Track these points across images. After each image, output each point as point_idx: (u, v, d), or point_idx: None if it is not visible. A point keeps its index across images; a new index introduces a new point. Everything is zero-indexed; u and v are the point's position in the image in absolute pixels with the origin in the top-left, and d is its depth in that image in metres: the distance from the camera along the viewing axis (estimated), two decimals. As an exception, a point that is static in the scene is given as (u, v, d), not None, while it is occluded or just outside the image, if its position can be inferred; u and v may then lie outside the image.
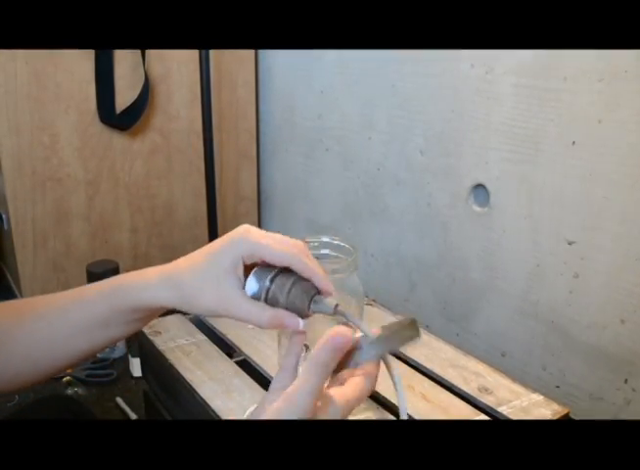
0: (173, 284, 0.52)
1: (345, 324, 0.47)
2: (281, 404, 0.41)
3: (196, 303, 0.52)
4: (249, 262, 0.51)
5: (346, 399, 0.43)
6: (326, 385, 0.45)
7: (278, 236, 0.52)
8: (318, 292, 0.51)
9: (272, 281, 0.51)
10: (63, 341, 0.55)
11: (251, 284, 0.51)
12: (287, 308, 0.51)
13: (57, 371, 0.57)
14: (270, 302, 0.51)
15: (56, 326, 0.55)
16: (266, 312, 0.50)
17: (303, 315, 0.50)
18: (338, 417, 0.42)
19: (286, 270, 0.51)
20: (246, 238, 0.51)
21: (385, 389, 0.82)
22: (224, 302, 0.51)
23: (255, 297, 0.51)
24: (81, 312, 0.54)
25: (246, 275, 0.52)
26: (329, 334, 0.42)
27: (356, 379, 0.45)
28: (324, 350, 0.42)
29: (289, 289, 0.50)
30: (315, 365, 0.42)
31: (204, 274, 0.51)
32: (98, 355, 1.38)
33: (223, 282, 0.51)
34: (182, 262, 0.53)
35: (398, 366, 0.47)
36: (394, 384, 0.46)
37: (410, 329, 0.49)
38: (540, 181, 1.00)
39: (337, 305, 0.50)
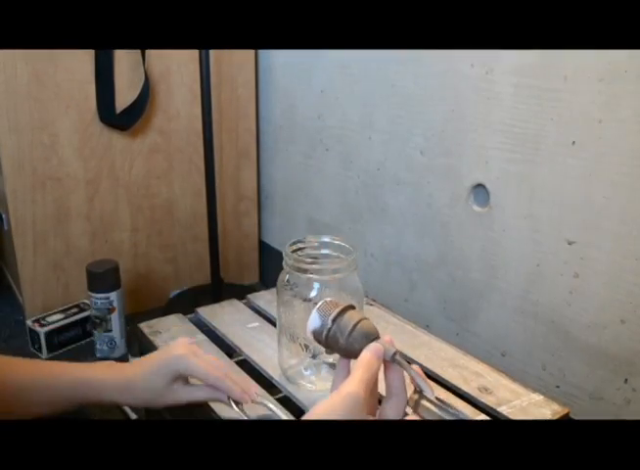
0: (128, 390, 0.67)
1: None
2: (333, 396, 0.47)
3: (135, 398, 0.69)
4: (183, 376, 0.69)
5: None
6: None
7: (207, 358, 0.70)
8: (377, 336, 0.54)
9: (334, 321, 0.53)
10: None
11: (315, 320, 0.54)
12: (345, 349, 0.54)
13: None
14: (330, 341, 0.54)
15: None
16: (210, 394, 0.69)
17: (357, 357, 0.54)
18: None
19: (350, 308, 0.55)
20: (176, 359, 0.69)
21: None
22: (157, 399, 0.69)
23: (317, 333, 0.55)
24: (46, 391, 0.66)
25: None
26: (373, 346, 0.53)
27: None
28: (368, 355, 0.51)
29: (349, 331, 0.53)
30: (360, 364, 0.51)
31: (152, 384, 0.68)
32: (97, 355, 1.38)
33: (170, 390, 0.69)
34: (127, 369, 0.70)
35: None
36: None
37: None
38: (540, 181, 1.00)
39: (395, 353, 0.53)
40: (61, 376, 0.67)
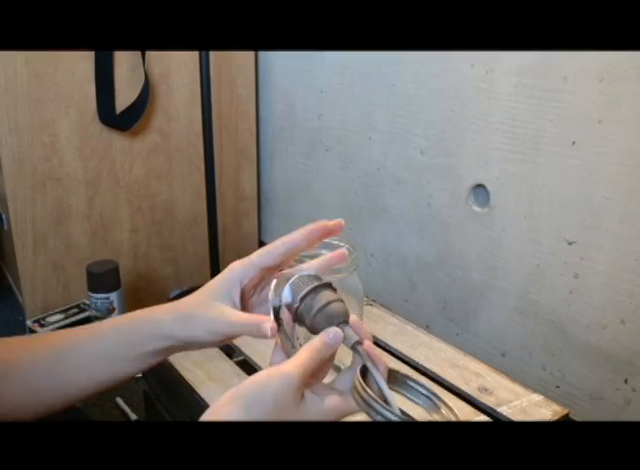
0: (176, 316, 0.55)
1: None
2: (270, 371, 0.46)
3: (193, 330, 0.55)
4: (248, 282, 0.56)
5: (324, 407, 0.47)
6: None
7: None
8: (345, 320, 0.50)
9: (302, 300, 0.51)
10: (64, 375, 0.56)
11: (286, 295, 0.52)
12: (311, 330, 0.51)
13: (54, 406, 0.57)
14: (299, 319, 0.52)
15: (63, 359, 0.56)
16: (244, 326, 0.54)
17: None
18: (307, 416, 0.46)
19: (324, 287, 0.52)
20: (232, 266, 0.56)
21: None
22: (216, 320, 0.54)
23: (288, 308, 0.53)
24: (94, 344, 0.56)
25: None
26: (328, 330, 0.49)
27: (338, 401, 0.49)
28: (319, 339, 0.49)
29: (314, 313, 0.50)
30: (309, 349, 0.48)
31: (201, 303, 0.56)
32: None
33: (215, 305, 0.55)
34: (186, 299, 0.58)
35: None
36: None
37: None
38: (540, 181, 1.00)
39: (357, 342, 0.49)
40: (108, 322, 0.58)
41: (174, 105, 1.50)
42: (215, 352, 0.92)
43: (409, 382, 0.52)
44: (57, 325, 1.39)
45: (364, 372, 0.49)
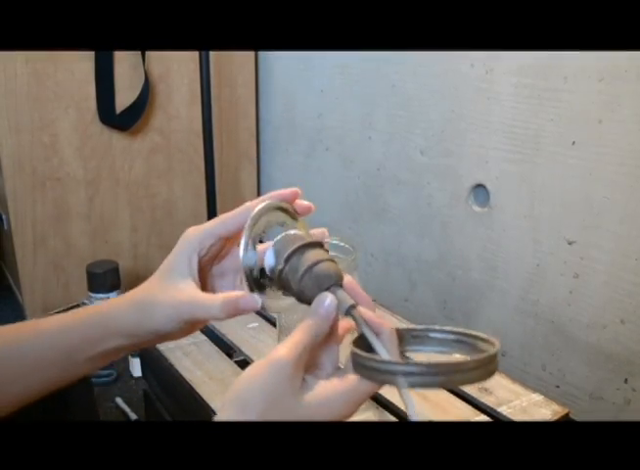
0: (130, 304, 0.48)
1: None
2: (260, 360, 0.42)
3: (149, 318, 0.47)
4: (206, 253, 0.49)
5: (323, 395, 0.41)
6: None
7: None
8: (338, 283, 0.42)
9: (287, 261, 0.43)
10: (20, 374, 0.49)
11: (269, 258, 0.45)
12: (298, 296, 0.44)
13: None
14: (284, 284, 0.44)
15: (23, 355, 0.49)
16: (216, 302, 0.46)
17: None
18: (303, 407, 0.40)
19: (313, 246, 0.44)
20: (186, 234, 0.49)
21: (384, 388, 0.82)
22: (178, 302, 0.46)
23: (271, 273, 0.45)
24: (32, 350, 0.49)
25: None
26: (319, 299, 0.42)
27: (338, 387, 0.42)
28: (311, 313, 0.43)
29: (301, 275, 0.42)
30: (302, 327, 0.42)
31: (157, 284, 0.48)
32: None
33: (175, 283, 0.47)
34: (141, 284, 0.50)
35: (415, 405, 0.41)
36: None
37: (476, 365, 0.38)
38: (540, 181, 1.00)
39: (352, 306, 0.42)
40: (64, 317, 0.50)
41: (174, 105, 1.50)
42: (215, 351, 0.92)
43: (431, 334, 0.44)
44: (57, 325, 1.38)
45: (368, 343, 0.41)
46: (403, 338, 0.44)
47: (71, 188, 1.42)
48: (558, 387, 1.03)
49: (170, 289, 0.47)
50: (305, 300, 0.44)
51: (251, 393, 0.40)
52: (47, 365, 0.49)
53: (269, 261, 0.45)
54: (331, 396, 0.41)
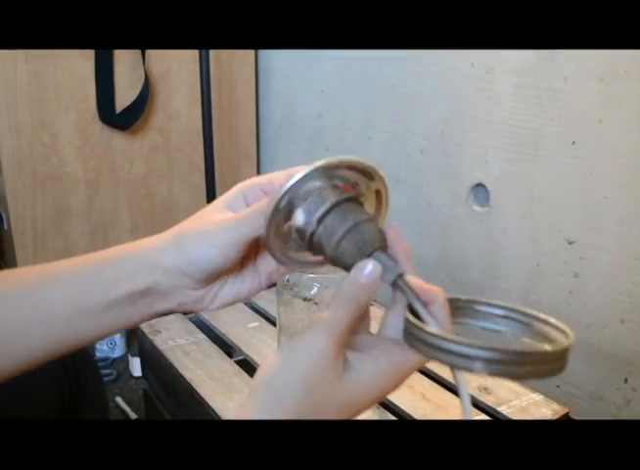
0: (170, 235, 0.43)
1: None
2: (294, 341, 0.35)
3: (189, 246, 0.41)
4: (252, 201, 0.44)
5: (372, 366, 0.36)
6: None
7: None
8: (382, 247, 0.37)
9: (320, 221, 0.37)
10: (41, 324, 0.43)
11: (299, 218, 0.37)
12: (334, 262, 0.38)
13: (26, 365, 0.44)
14: (316, 247, 0.38)
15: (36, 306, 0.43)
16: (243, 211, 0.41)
17: None
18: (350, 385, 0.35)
19: (352, 201, 0.38)
20: (247, 180, 0.45)
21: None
22: (220, 229, 0.41)
23: (300, 234, 0.38)
24: (43, 293, 0.44)
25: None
26: (360, 266, 0.36)
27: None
28: (351, 283, 0.36)
29: (338, 240, 0.36)
30: (341, 300, 0.36)
31: (200, 216, 0.43)
32: (97, 354, 1.38)
33: (218, 215, 0.43)
34: (183, 223, 0.44)
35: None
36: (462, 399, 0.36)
37: (558, 356, 0.33)
38: (540, 181, 1.00)
39: (400, 275, 0.36)
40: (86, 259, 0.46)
41: (174, 104, 1.50)
42: (215, 351, 0.92)
43: (476, 307, 0.39)
44: (57, 325, 1.38)
45: (414, 313, 0.37)
46: (450, 307, 0.39)
47: (71, 188, 1.42)
48: (558, 387, 1.03)
49: (211, 217, 0.42)
50: (343, 266, 0.37)
51: (280, 389, 0.35)
52: (57, 315, 0.43)
53: (299, 220, 0.37)
54: (380, 367, 0.36)
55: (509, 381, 0.85)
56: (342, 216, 0.36)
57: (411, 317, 0.36)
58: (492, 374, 0.32)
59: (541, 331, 0.36)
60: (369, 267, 0.36)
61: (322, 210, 0.36)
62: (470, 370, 0.33)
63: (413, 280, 0.37)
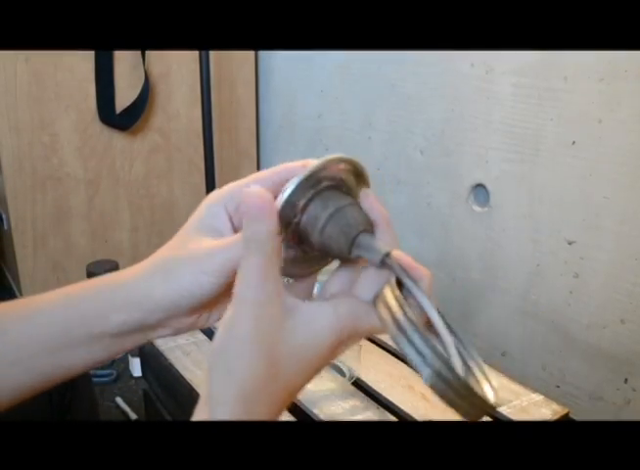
0: (152, 266, 0.41)
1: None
2: (228, 311, 0.33)
3: (177, 277, 0.39)
4: (233, 209, 0.41)
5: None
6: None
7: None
8: (366, 229, 0.37)
9: (305, 208, 0.36)
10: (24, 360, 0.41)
11: (285, 211, 0.37)
12: (323, 250, 0.37)
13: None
14: (302, 237, 0.37)
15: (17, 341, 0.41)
16: (228, 237, 0.39)
17: (345, 260, 0.37)
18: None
19: (335, 189, 0.38)
20: (216, 190, 0.41)
21: (385, 388, 0.82)
22: (207, 255, 0.39)
23: (284, 225, 0.37)
24: (25, 326, 0.42)
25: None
26: (245, 193, 0.34)
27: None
28: (247, 221, 0.34)
29: (323, 224, 0.36)
30: (245, 242, 0.33)
31: (181, 242, 0.41)
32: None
33: (202, 238, 0.40)
34: (162, 247, 0.43)
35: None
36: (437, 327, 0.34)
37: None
38: (540, 181, 1.00)
39: (387, 254, 0.36)
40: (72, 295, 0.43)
41: (174, 104, 1.50)
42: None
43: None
44: (57, 325, 1.38)
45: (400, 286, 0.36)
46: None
47: (71, 188, 1.42)
48: (558, 387, 1.03)
49: (195, 242, 0.40)
50: (331, 253, 0.37)
51: (230, 340, 0.33)
52: (39, 350, 0.41)
53: (284, 210, 0.36)
54: (339, 319, 0.35)
55: (508, 382, 0.84)
56: (324, 203, 0.36)
57: (393, 292, 0.35)
58: (432, 387, 0.32)
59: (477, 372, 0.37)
60: (252, 191, 0.33)
61: (304, 200, 0.36)
62: (417, 371, 0.32)
63: (402, 258, 0.36)
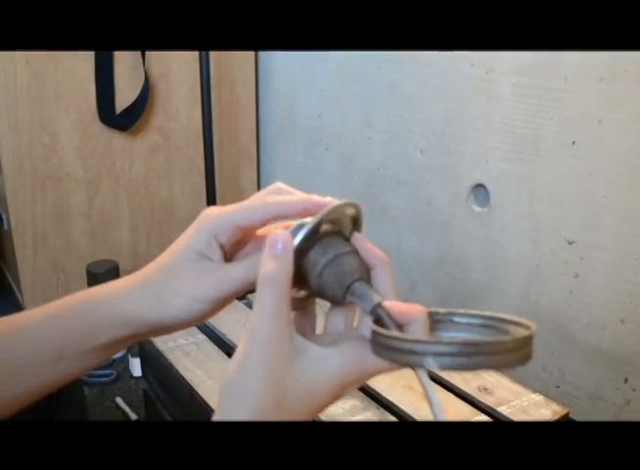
0: (142, 287, 0.43)
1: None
2: (241, 345, 0.35)
3: (169, 301, 0.41)
4: (225, 241, 0.43)
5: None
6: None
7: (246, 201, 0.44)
8: (361, 277, 0.38)
9: (307, 252, 0.39)
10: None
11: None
12: (319, 294, 0.39)
13: None
14: (301, 278, 0.39)
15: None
16: (240, 266, 0.41)
17: (340, 304, 0.40)
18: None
19: (336, 235, 0.40)
20: (207, 215, 0.44)
21: (385, 388, 0.82)
22: (200, 283, 0.41)
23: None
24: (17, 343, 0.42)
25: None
26: (271, 239, 0.37)
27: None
28: (267, 259, 0.36)
29: (320, 271, 0.38)
30: (262, 282, 0.35)
31: (173, 266, 0.43)
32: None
33: (195, 265, 0.42)
34: (150, 266, 0.45)
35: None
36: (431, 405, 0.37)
37: (514, 346, 0.33)
38: (540, 181, 1.00)
39: (378, 305, 0.37)
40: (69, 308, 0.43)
41: (174, 104, 1.50)
42: (215, 351, 0.92)
43: (455, 318, 0.40)
44: (57, 325, 1.38)
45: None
46: (429, 320, 0.39)
47: (71, 188, 1.42)
48: (558, 387, 1.03)
49: (187, 268, 0.43)
50: (325, 297, 0.39)
51: (242, 374, 0.35)
52: (34, 365, 0.42)
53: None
54: (344, 364, 0.36)
55: (508, 382, 0.84)
56: (324, 250, 0.39)
57: (375, 326, 0.36)
58: (444, 368, 0.33)
59: (515, 333, 0.36)
60: (279, 238, 0.36)
61: (306, 243, 0.39)
62: (422, 366, 0.34)
63: (393, 306, 0.37)
